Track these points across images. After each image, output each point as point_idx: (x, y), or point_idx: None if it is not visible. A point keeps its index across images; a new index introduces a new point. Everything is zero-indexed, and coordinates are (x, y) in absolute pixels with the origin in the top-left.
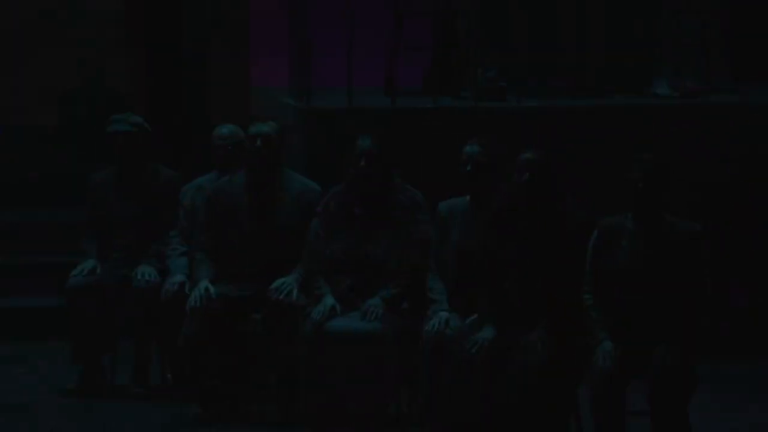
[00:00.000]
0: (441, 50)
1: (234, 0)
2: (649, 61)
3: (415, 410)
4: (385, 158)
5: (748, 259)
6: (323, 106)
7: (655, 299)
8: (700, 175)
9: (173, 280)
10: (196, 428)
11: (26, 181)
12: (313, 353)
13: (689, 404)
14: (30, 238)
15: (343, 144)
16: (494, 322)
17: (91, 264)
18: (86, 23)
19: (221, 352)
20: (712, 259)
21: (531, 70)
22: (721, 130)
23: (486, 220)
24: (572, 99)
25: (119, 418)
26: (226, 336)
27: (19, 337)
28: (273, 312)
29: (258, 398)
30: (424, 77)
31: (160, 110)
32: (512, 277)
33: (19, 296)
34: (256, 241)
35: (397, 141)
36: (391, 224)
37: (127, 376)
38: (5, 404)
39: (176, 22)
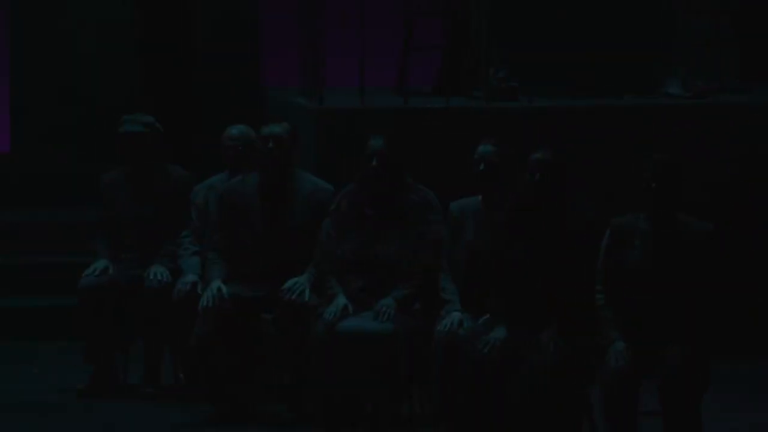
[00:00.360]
0: (452, 50)
1: None
2: (660, 61)
3: (427, 410)
4: (396, 158)
5: (748, 258)
6: (335, 106)
7: (668, 299)
8: (702, 175)
9: (186, 280)
10: (207, 428)
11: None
12: (325, 353)
13: (701, 404)
14: (30, 238)
15: (354, 144)
16: (506, 322)
17: (103, 264)
18: (89, 25)
19: (233, 352)
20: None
21: (542, 70)
22: (722, 130)
23: (497, 220)
24: (583, 99)
25: (129, 418)
26: (238, 336)
27: (19, 337)
28: (285, 312)
29: (269, 398)
30: (435, 77)
31: (167, 110)
32: (523, 277)
33: (18, 296)
34: (268, 241)
35: (409, 141)
36: (402, 224)
37: (139, 376)
38: (11, 404)
39: (186, 22)
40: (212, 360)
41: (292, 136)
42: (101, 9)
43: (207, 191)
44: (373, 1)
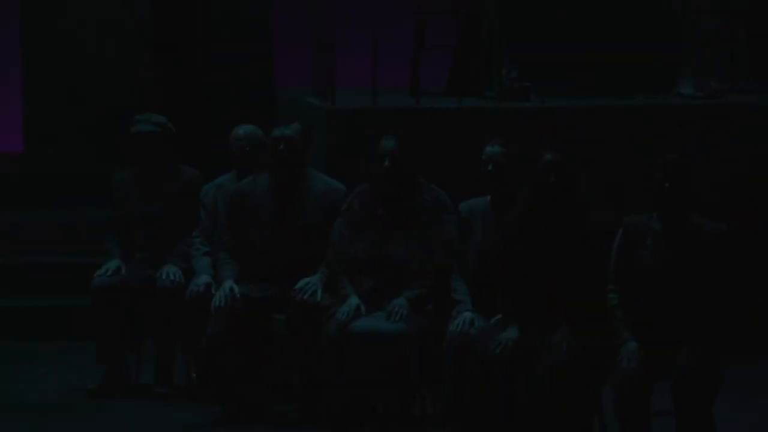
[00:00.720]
0: (465, 50)
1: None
2: (660, 61)
3: (439, 411)
4: (408, 159)
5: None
6: (347, 107)
7: (680, 299)
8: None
9: (199, 281)
10: (216, 429)
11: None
12: (337, 353)
13: (714, 405)
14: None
15: (367, 144)
16: (518, 323)
17: (115, 264)
18: (99, 27)
19: (245, 352)
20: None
21: (553, 70)
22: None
23: (510, 221)
24: (594, 99)
25: (137, 418)
26: (249, 336)
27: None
28: (297, 312)
29: (281, 398)
30: (448, 77)
31: (178, 110)
32: (535, 278)
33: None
34: (279, 241)
35: (421, 141)
36: (414, 224)
37: (152, 376)
38: (12, 404)
39: (198, 22)
40: (223, 360)
41: (304, 136)
42: (110, 10)
43: (215, 191)
44: (385, 1)
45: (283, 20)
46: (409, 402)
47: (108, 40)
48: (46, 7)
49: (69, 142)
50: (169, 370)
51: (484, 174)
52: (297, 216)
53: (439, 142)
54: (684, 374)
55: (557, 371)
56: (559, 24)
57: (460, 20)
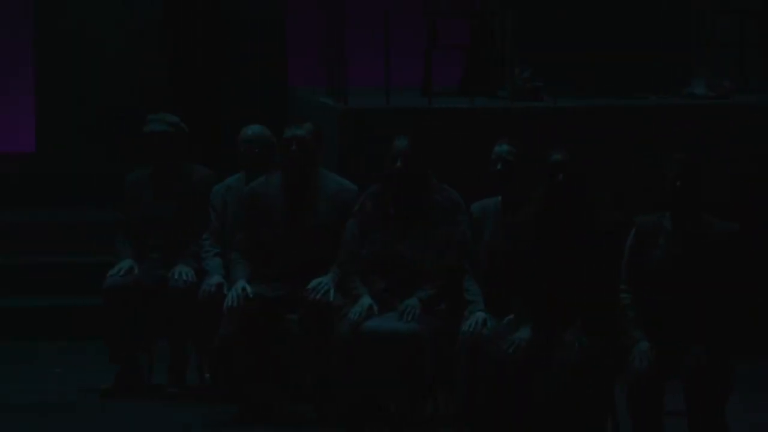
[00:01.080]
0: (477, 50)
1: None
2: (684, 61)
3: (451, 411)
4: (420, 159)
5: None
6: (359, 107)
7: (692, 299)
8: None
9: (211, 281)
10: (218, 428)
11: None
12: (349, 353)
13: (726, 405)
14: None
15: (379, 144)
16: (531, 323)
17: (128, 264)
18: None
19: (257, 352)
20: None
21: (565, 70)
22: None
23: (523, 221)
24: (606, 99)
25: (140, 418)
26: (262, 336)
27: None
28: (310, 312)
29: (294, 398)
30: (461, 77)
31: (192, 111)
32: (547, 277)
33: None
34: (292, 241)
35: (434, 141)
36: (426, 225)
37: (164, 376)
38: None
39: (209, 22)
40: (235, 360)
41: (316, 136)
42: (115, 10)
43: (225, 192)
44: (398, 0)
45: (294, 20)
46: (421, 402)
47: (110, 40)
48: (56, 8)
49: (70, 143)
50: (181, 370)
51: (493, 173)
52: (309, 216)
53: (452, 142)
54: (696, 374)
55: (569, 370)
56: (572, 24)
57: (473, 20)
